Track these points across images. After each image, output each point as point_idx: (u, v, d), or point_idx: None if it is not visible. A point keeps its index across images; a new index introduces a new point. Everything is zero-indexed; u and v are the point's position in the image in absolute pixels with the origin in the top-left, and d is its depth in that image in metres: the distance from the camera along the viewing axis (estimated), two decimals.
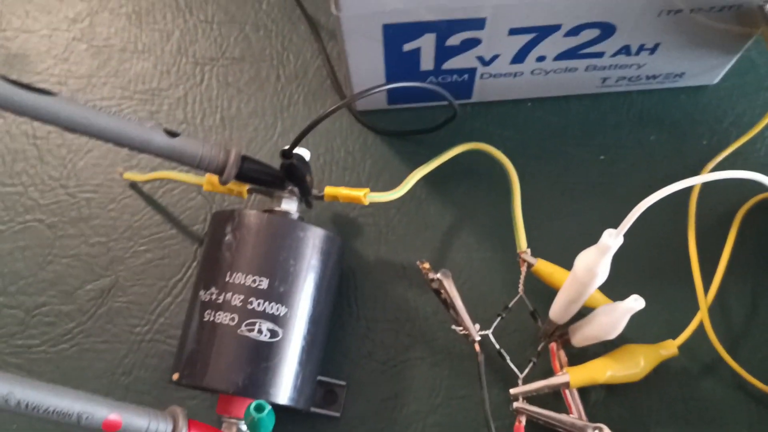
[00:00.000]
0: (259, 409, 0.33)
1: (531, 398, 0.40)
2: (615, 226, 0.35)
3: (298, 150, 0.41)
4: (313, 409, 0.41)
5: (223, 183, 0.39)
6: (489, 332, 0.41)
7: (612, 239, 0.36)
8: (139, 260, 0.45)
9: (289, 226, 0.39)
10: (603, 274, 0.37)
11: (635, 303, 0.38)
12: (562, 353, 0.42)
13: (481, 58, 0.41)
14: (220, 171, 0.38)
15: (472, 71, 0.43)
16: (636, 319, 0.38)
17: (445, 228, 0.45)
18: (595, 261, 0.37)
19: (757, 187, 0.38)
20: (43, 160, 0.47)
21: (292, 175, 0.38)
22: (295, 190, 0.40)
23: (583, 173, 0.46)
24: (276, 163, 0.39)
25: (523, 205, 0.45)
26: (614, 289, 0.41)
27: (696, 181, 0.36)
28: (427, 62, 0.41)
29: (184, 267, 0.45)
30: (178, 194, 0.46)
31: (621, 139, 0.47)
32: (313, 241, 0.39)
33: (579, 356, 0.42)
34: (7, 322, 0.44)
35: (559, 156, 0.46)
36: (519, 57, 0.42)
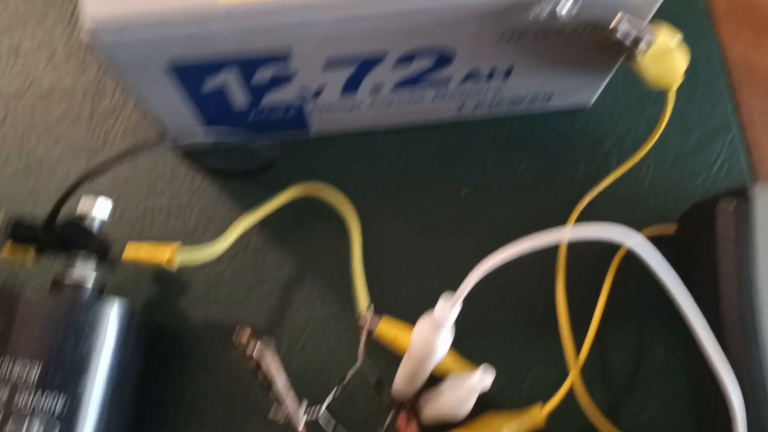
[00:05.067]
0: None
1: None
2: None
3: (94, 205, 0.35)
4: None
5: None
6: (320, 411, 0.35)
7: (447, 311, 0.31)
8: None
9: (65, 306, 0.33)
10: (442, 348, 0.32)
11: (483, 378, 0.32)
12: (414, 426, 0.36)
13: (303, 93, 0.35)
14: None
15: (298, 106, 0.37)
16: (503, 380, 0.33)
17: (285, 281, 0.39)
18: (431, 336, 0.31)
19: (637, 225, 0.33)
20: None
21: (65, 245, 0.32)
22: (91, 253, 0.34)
23: (443, 210, 0.40)
24: None
25: (375, 248, 0.39)
26: (475, 345, 0.35)
27: (538, 244, 0.30)
28: (240, 100, 0.35)
29: None
30: None
31: (485, 170, 0.41)
32: (103, 317, 0.33)
33: (435, 426, 0.36)
34: None
35: (416, 191, 0.40)
36: (349, 89, 0.35)
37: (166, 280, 0.39)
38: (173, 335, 0.38)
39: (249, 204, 0.39)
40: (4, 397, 0.31)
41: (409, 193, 0.40)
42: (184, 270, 0.39)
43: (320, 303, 0.39)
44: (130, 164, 0.41)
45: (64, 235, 0.32)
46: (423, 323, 0.32)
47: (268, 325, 0.38)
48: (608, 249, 0.38)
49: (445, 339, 0.31)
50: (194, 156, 0.40)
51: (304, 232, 0.40)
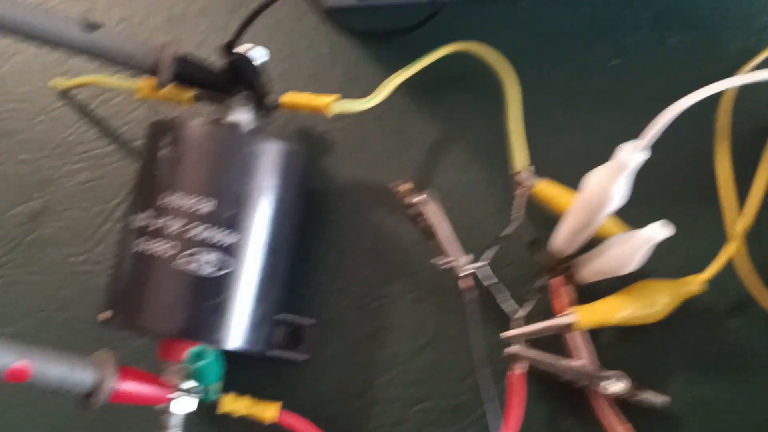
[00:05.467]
0: (199, 356, 0.27)
1: (532, 342, 0.35)
2: (627, 140, 0.28)
3: (252, 49, 0.34)
4: (273, 353, 0.35)
5: (159, 87, 0.32)
6: (480, 265, 0.35)
7: (632, 154, 0.30)
8: (73, 180, 0.38)
9: (238, 139, 0.32)
10: (619, 196, 0.31)
11: (660, 231, 0.31)
12: (566, 290, 0.36)
13: None
14: (153, 73, 0.32)
15: None
16: (657, 251, 0.32)
17: (431, 144, 0.39)
18: (611, 181, 0.30)
19: None
20: None
21: (236, 77, 0.31)
22: (251, 96, 0.34)
23: (592, 81, 0.39)
24: None
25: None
26: (627, 214, 0.35)
27: (737, 82, 0.29)
28: None
29: (125, 188, 0.38)
30: (117, 104, 0.39)
31: (637, 42, 0.40)
32: (269, 156, 0.33)
33: (586, 293, 0.36)
34: None
35: (564, 61, 0.39)
36: None
37: (311, 139, 0.39)
38: (320, 193, 0.38)
39: (393, 66, 0.38)
40: (181, 229, 0.31)
41: (558, 62, 0.39)
42: (329, 128, 0.39)
43: (468, 166, 0.38)
44: (272, 24, 0.40)
45: (236, 68, 0.32)
46: (600, 168, 0.31)
47: (415, 186, 0.38)
48: None
49: (623, 186, 0.31)
50: (337, 16, 0.40)
51: (450, 96, 0.39)
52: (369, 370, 0.36)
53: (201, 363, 0.27)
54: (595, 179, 0.31)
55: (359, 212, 0.38)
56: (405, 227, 0.38)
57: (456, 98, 0.39)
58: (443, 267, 0.34)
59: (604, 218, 0.32)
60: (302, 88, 0.39)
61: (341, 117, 0.38)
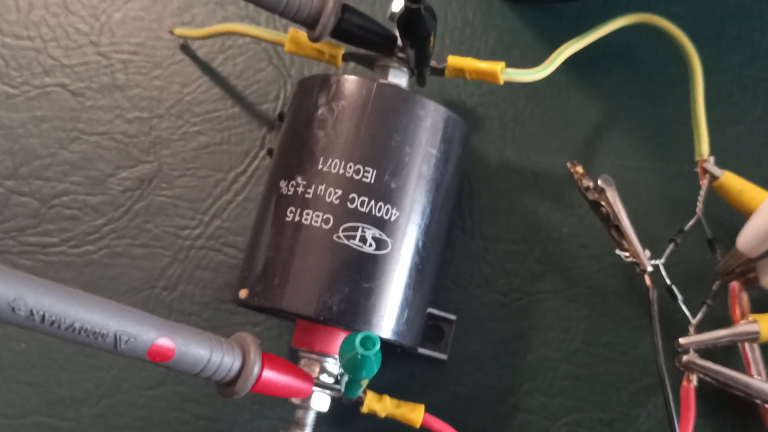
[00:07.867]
0: (368, 343, 0.23)
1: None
2: None
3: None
4: (420, 350, 0.31)
5: (315, 39, 0.28)
6: (660, 262, 0.31)
7: None
8: (190, 144, 0.34)
9: (406, 100, 0.28)
10: None
11: None
12: (744, 296, 0.32)
13: None
14: (312, 22, 0.28)
15: None
16: None
17: (590, 126, 0.35)
18: None
19: None
20: (69, 8, 0.36)
21: (414, 29, 0.27)
22: (409, 56, 0.30)
23: None
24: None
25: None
26: None
27: None
28: None
29: (248, 156, 0.34)
30: (243, 63, 0.35)
31: None
32: (435, 122, 0.29)
33: (761, 301, 0.32)
34: (16, 212, 0.34)
35: (742, 44, 0.35)
36: None
37: (459, 113, 0.35)
38: (464, 174, 0.34)
39: (551, 37, 0.35)
40: (335, 199, 0.27)
41: (734, 45, 0.35)
42: (478, 103, 0.35)
43: (630, 154, 0.34)
44: None
45: (413, 22, 0.27)
46: None
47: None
48: None
49: None
50: None
51: (614, 75, 0.35)
52: (512, 374, 0.32)
53: (371, 351, 0.23)
54: None
55: (508, 198, 0.34)
56: (558, 218, 0.34)
57: (620, 76, 0.35)
58: (627, 260, 0.30)
59: None
60: (453, 53, 0.35)
61: (491, 90, 0.35)
